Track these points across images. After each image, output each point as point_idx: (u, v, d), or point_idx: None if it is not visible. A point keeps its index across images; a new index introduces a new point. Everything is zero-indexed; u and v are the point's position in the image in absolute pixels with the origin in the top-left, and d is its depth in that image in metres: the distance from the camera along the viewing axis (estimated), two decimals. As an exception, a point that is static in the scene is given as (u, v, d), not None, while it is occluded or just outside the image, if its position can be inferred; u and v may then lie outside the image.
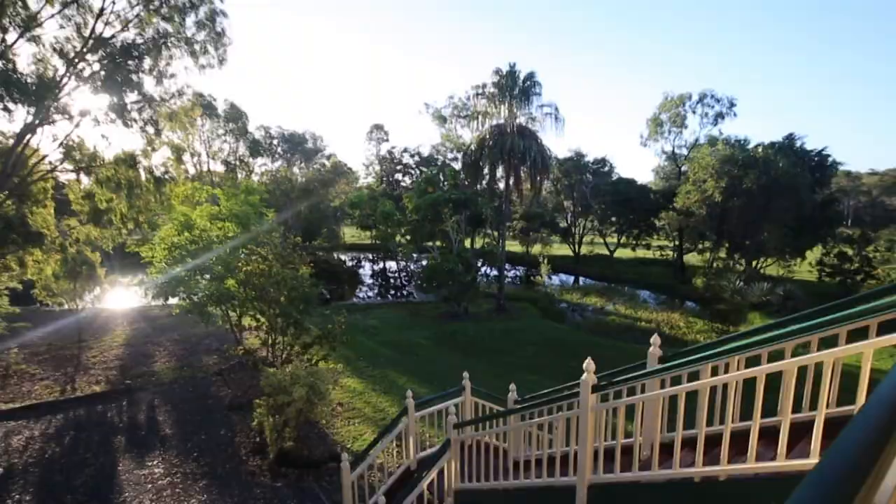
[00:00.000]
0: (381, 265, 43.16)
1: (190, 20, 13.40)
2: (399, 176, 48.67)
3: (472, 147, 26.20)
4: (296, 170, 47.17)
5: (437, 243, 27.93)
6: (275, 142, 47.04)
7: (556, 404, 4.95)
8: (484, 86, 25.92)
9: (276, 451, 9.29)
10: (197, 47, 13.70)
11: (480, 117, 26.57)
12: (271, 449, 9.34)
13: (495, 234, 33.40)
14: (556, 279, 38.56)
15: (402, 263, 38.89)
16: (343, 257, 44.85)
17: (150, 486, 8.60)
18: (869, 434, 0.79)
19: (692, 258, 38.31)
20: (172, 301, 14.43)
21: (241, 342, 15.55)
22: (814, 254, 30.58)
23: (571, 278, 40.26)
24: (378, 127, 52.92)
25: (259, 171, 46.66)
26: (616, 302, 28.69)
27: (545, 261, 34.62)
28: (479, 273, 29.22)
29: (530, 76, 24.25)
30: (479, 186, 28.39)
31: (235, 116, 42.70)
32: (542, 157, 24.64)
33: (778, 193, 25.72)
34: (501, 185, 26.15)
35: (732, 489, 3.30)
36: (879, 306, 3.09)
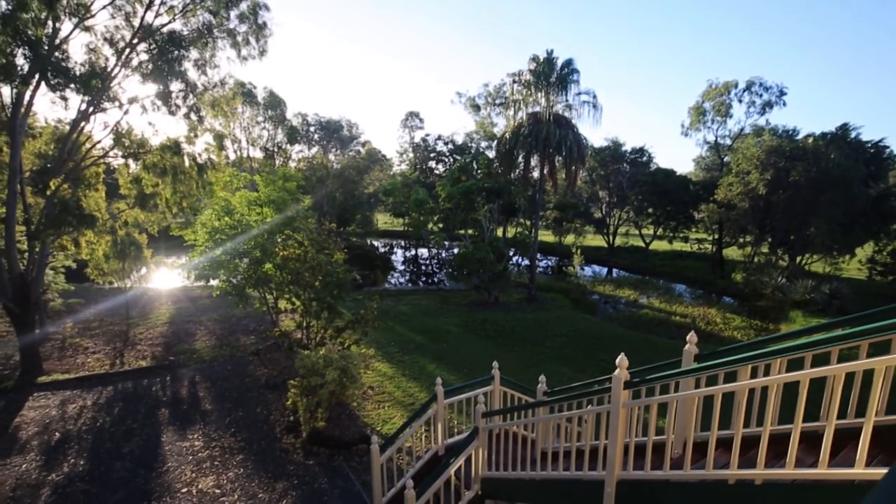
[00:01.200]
0: (413, 252, 43.53)
1: (233, 13, 13.78)
2: (432, 164, 48.61)
3: (507, 135, 25.89)
4: (331, 156, 47.89)
5: (470, 231, 27.90)
6: (311, 129, 47.84)
7: (587, 398, 4.93)
8: (520, 73, 25.45)
9: (308, 431, 9.60)
10: (239, 39, 14.07)
11: (516, 105, 26.15)
12: (304, 428, 9.66)
13: (528, 223, 33.14)
14: (588, 270, 37.98)
15: (434, 251, 39.13)
16: (376, 243, 45.48)
17: (191, 457, 9.05)
18: None
19: (731, 252, 37.00)
20: (213, 283, 15.01)
21: (278, 324, 16.04)
22: (865, 251, 29.07)
23: (604, 270, 39.58)
24: (413, 114, 52.87)
25: (296, 157, 47.61)
26: (650, 295, 28.04)
27: (578, 251, 34.13)
28: (511, 262, 29.07)
29: (568, 63, 23.66)
30: (512, 175, 28.09)
31: (274, 104, 43.62)
32: (579, 146, 24.14)
33: (828, 187, 24.40)
34: (535, 174, 25.79)
35: (768, 494, 3.20)
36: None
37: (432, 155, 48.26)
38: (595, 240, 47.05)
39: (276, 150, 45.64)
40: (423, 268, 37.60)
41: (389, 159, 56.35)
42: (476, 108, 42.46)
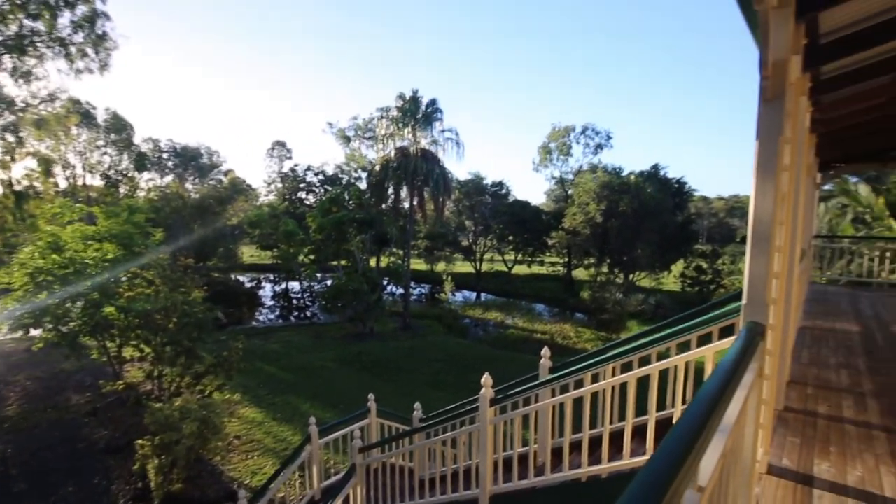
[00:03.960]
0: (283, 286, 41.17)
1: (65, 19, 12.07)
2: (302, 194, 47.10)
3: (377, 168, 26.40)
4: (189, 186, 43.78)
5: (342, 263, 27.49)
6: (165, 155, 43.38)
7: (459, 420, 5.17)
8: (388, 109, 26.33)
9: (161, 496, 8.51)
10: (73, 49, 12.32)
11: (385, 139, 26.90)
12: (157, 494, 8.53)
13: (400, 252, 33.61)
14: (459, 296, 39.50)
15: (306, 284, 37.49)
16: (241, 278, 42.18)
17: (2, 551, 7.43)
18: (687, 430, 1.05)
19: (580, 273, 41.37)
20: (34, 333, 12.65)
21: (121, 376, 14.02)
22: (678, 267, 34.97)
23: (474, 295, 41.53)
24: (280, 144, 51.25)
25: (146, 186, 42.67)
26: (514, 316, 30.12)
27: (449, 278, 35.42)
28: (385, 292, 29.17)
29: (432, 103, 25.12)
30: (384, 206, 28.54)
31: (119, 127, 38.85)
32: (445, 179, 25.54)
33: (647, 215, 29.25)
34: (406, 205, 26.51)
35: (614, 485, 3.69)
36: (718, 315, 3.76)
37: (302, 185, 46.85)
38: (464, 266, 49.25)
39: (120, 178, 40.43)
40: (295, 302, 35.78)
41: (255, 189, 53.30)
42: (346, 139, 42.52)
